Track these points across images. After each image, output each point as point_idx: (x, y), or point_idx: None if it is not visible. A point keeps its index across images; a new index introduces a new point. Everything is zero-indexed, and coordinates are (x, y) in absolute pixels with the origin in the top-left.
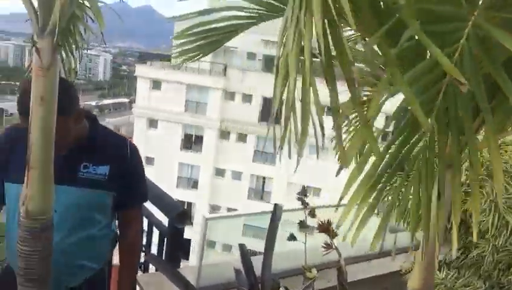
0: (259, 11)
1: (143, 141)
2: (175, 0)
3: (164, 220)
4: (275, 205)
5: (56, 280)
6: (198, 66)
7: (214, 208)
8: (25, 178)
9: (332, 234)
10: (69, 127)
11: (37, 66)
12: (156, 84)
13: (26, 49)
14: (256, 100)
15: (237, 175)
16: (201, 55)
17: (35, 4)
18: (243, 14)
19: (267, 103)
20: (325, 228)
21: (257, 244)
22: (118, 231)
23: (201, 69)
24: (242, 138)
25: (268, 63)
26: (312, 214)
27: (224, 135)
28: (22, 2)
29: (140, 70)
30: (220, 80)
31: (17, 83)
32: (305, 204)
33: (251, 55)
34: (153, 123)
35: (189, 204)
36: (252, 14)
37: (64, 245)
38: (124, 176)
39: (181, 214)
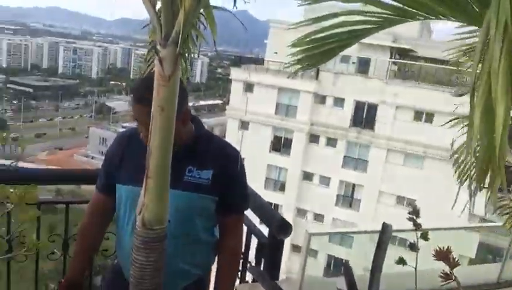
0: (385, 16)
1: (234, 141)
2: (269, 7)
3: (263, 229)
4: (384, 224)
5: None
6: (290, 69)
7: (300, 212)
8: (143, 187)
9: (453, 264)
10: (177, 128)
11: (158, 75)
12: (249, 87)
13: (132, 51)
14: (348, 104)
15: (325, 180)
16: (318, 63)
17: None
18: (365, 18)
19: (359, 107)
20: (444, 255)
21: (342, 252)
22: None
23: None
24: (332, 142)
25: (363, 66)
26: (424, 237)
27: (313, 138)
28: (146, 11)
29: (235, 73)
30: (311, 83)
31: (124, 84)
32: (417, 225)
33: (345, 58)
34: (244, 124)
35: (276, 206)
36: (376, 19)
37: (168, 249)
38: (226, 181)
39: (282, 225)
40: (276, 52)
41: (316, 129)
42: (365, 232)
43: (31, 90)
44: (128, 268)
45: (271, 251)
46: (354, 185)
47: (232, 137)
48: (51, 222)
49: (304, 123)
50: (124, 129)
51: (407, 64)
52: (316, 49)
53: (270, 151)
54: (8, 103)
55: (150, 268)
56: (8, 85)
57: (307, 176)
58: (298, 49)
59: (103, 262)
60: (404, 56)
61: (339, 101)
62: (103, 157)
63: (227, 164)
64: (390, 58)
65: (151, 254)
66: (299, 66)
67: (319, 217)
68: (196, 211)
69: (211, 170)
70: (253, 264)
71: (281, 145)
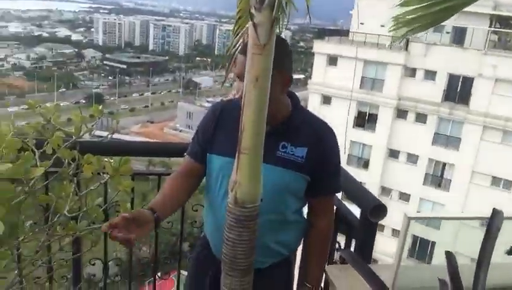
0: None
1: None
2: None
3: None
4: (494, 210)
5: None
6: (377, 40)
7: (385, 191)
8: (235, 163)
9: None
10: (275, 96)
11: (253, 43)
12: (333, 61)
13: (217, 28)
14: (440, 77)
15: (413, 158)
16: (433, 23)
17: None
18: None
19: (453, 80)
20: None
21: (429, 233)
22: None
23: (381, 44)
24: (421, 118)
25: (458, 36)
26: None
27: (401, 114)
28: None
29: (318, 46)
30: (400, 55)
31: (209, 60)
32: None
33: (438, 28)
34: (326, 99)
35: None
36: None
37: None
38: (321, 161)
39: (377, 207)
40: (362, 23)
41: (404, 104)
42: (471, 218)
43: (124, 66)
44: (215, 243)
45: (363, 233)
46: (444, 164)
47: (314, 112)
48: (143, 191)
49: (391, 98)
50: (209, 104)
51: (509, 34)
52: (432, 8)
53: (353, 127)
54: (105, 79)
55: (242, 247)
56: (104, 62)
57: (393, 153)
58: (406, 9)
59: (189, 230)
60: (506, 25)
61: (431, 74)
62: (190, 131)
63: (323, 143)
64: (490, 27)
65: (244, 233)
66: (407, 29)
67: (404, 196)
68: (287, 189)
69: (305, 148)
70: (341, 244)
71: (365, 120)
